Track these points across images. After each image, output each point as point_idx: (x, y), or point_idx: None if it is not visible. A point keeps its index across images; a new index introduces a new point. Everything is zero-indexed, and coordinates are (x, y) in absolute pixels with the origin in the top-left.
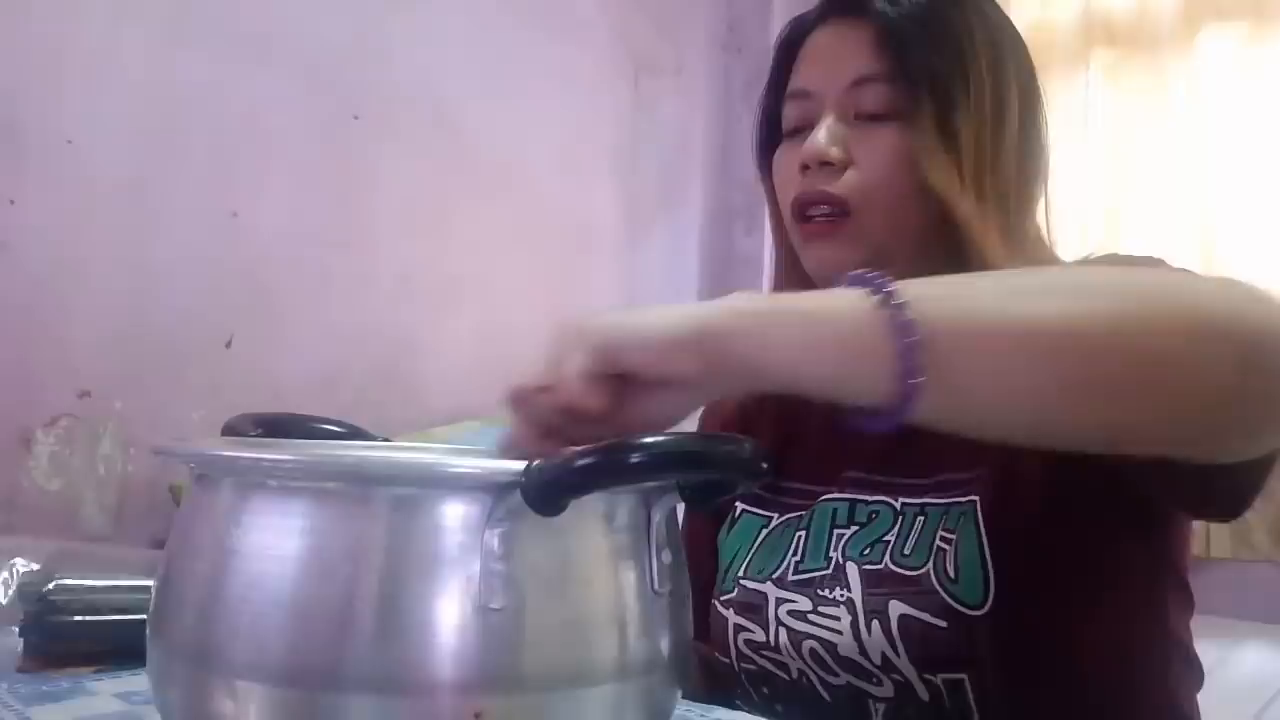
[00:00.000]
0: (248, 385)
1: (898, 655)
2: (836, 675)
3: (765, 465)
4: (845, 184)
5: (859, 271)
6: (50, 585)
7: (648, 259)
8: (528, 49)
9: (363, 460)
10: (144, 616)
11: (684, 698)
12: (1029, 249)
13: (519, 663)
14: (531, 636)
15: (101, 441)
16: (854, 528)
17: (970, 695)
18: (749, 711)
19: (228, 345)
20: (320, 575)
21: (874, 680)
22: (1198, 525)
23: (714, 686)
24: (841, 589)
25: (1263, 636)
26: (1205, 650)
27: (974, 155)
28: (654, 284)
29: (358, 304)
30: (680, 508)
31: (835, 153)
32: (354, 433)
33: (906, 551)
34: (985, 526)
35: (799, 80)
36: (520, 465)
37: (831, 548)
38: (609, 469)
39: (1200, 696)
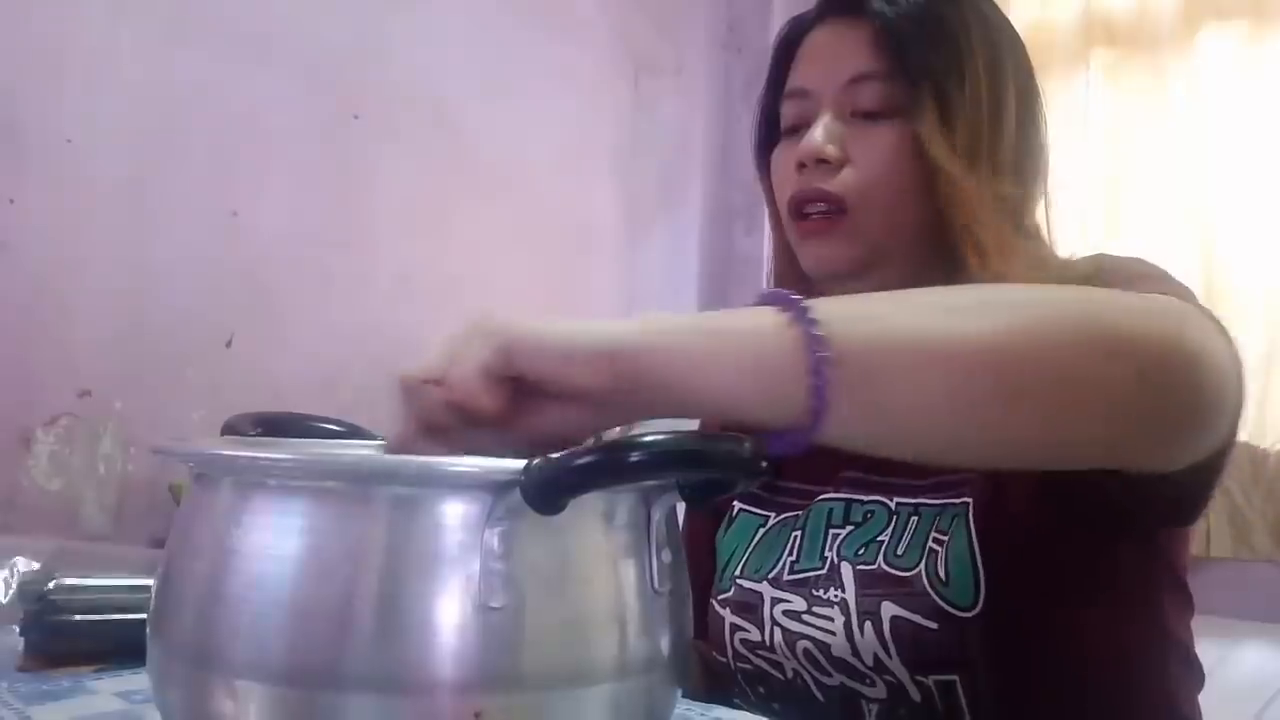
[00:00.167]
0: (248, 385)
1: (890, 657)
2: (830, 676)
3: (765, 464)
4: (842, 182)
5: (772, 290)
6: (50, 585)
7: (648, 259)
8: (528, 49)
9: (362, 459)
10: (144, 616)
11: (684, 697)
12: (1028, 248)
13: (519, 662)
14: (531, 635)
15: (101, 441)
16: (849, 527)
17: (962, 697)
18: (748, 710)
19: (228, 345)
20: (320, 575)
21: (867, 681)
22: (1197, 525)
23: (714, 685)
24: (836, 589)
25: (1263, 636)
26: (1205, 650)
27: (970, 153)
28: (654, 284)
29: (358, 304)
30: (680, 507)
31: (832, 150)
32: (354, 432)
33: (899, 552)
34: (976, 528)
35: (797, 79)
36: (520, 464)
37: (827, 547)
38: (609, 468)
39: (1200, 696)
